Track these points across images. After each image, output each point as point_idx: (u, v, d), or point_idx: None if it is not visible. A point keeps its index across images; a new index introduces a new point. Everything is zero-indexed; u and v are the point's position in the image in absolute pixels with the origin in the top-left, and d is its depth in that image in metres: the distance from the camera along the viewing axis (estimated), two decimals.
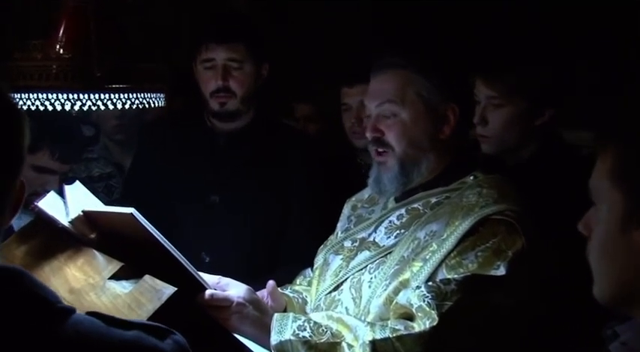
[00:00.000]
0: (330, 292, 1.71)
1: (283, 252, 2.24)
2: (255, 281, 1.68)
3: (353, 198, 1.94)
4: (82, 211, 1.47)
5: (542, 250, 1.55)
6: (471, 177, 1.65)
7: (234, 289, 1.53)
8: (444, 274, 1.47)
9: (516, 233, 1.49)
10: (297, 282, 1.92)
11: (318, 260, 1.85)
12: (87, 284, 1.36)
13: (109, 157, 2.85)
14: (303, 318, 1.51)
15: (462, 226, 1.51)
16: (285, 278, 1.96)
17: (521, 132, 2.02)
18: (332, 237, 1.89)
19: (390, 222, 1.70)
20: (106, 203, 1.65)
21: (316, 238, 1.96)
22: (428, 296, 1.41)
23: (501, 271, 1.45)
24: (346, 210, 1.93)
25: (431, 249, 1.52)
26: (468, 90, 1.75)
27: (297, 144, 2.33)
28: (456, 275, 1.44)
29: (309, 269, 1.93)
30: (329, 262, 1.79)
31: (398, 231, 1.66)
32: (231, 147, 2.31)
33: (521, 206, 1.55)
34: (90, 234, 1.47)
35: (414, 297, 1.43)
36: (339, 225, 1.91)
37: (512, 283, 1.46)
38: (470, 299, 1.43)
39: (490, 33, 2.97)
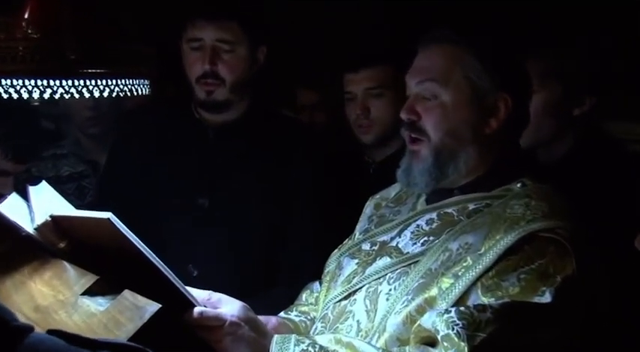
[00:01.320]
0: (341, 300, 1.65)
1: (284, 264, 2.17)
2: (252, 298, 1.62)
3: (377, 196, 1.89)
4: (50, 216, 1.42)
5: (594, 277, 1.47)
6: (519, 185, 1.59)
7: (228, 306, 1.47)
8: (478, 296, 1.40)
9: (567, 255, 1.42)
10: (304, 298, 1.87)
11: (331, 263, 1.81)
12: (56, 301, 1.31)
13: (82, 154, 2.80)
14: (307, 342, 1.45)
15: (504, 241, 1.43)
16: (286, 296, 1.92)
17: (557, 123, 1.98)
18: (349, 242, 1.83)
19: (418, 226, 1.64)
20: (78, 207, 1.59)
21: (321, 247, 1.91)
22: (458, 324, 1.33)
23: (546, 298, 1.37)
24: (368, 208, 1.87)
25: (464, 264, 1.45)
26: (526, 80, 1.67)
27: (299, 138, 2.27)
28: (492, 300, 1.37)
29: (317, 282, 1.87)
30: (342, 266, 1.74)
31: (426, 238, 1.59)
32: (223, 143, 2.23)
33: (575, 224, 1.48)
34: (59, 242, 1.42)
35: (441, 323, 1.35)
36: (358, 225, 1.86)
37: (558, 313, 1.39)
38: (507, 331, 1.36)
39: (521, 9, 2.90)
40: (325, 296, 1.72)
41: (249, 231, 2.17)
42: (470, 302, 1.40)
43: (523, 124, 1.67)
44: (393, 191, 1.85)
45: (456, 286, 1.42)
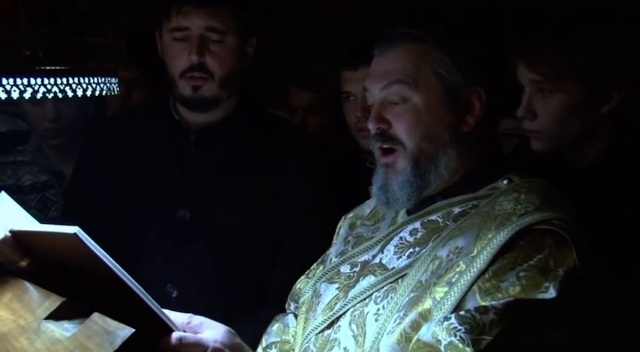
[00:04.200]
0: (323, 330, 1.68)
1: (275, 283, 2.17)
2: (237, 321, 1.65)
3: (350, 214, 1.94)
4: (10, 231, 1.42)
5: (600, 270, 1.51)
6: (505, 181, 1.64)
7: (210, 330, 1.49)
8: (476, 301, 1.42)
9: (567, 247, 1.45)
10: (274, 331, 1.88)
11: (305, 292, 1.84)
12: (16, 326, 1.32)
13: (46, 162, 2.81)
14: None
15: (497, 239, 1.47)
16: (271, 320, 1.91)
17: (582, 123, 1.99)
18: (321, 267, 1.86)
19: (401, 238, 1.68)
20: (41, 221, 1.59)
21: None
22: (460, 330, 1.35)
23: (551, 293, 1.40)
24: (342, 229, 1.92)
25: (457, 269, 1.48)
26: (498, 69, 1.73)
27: (292, 142, 2.27)
28: (494, 302, 1.40)
29: (289, 315, 1.89)
30: (320, 293, 1.76)
31: (412, 250, 1.63)
32: (205, 147, 2.24)
33: (571, 215, 1.52)
34: (20, 260, 1.42)
35: (441, 331, 1.37)
36: (332, 248, 1.89)
37: (565, 309, 1.41)
38: (514, 331, 1.38)
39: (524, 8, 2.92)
40: (304, 328, 1.74)
41: (236, 247, 2.17)
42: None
43: (499, 117, 1.72)
44: (367, 208, 1.89)
45: (451, 294, 1.45)
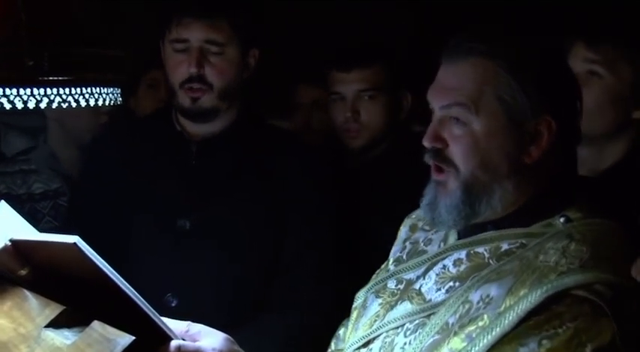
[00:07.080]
0: (360, 348, 1.66)
1: (272, 293, 2.16)
2: (236, 330, 1.62)
3: (413, 216, 1.85)
4: (10, 240, 1.42)
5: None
6: (562, 219, 1.50)
7: (208, 338, 1.48)
8: None
9: (605, 317, 1.30)
10: (341, 334, 1.86)
11: (359, 297, 1.80)
12: (16, 334, 1.32)
13: (58, 168, 2.79)
14: None
15: (528, 300, 1.35)
16: (280, 326, 1.92)
17: (615, 118, 1.95)
18: (384, 267, 1.83)
19: (445, 267, 1.59)
20: (51, 229, 1.59)
21: (321, 279, 1.89)
22: None
23: None
24: (403, 231, 1.85)
25: (480, 323, 1.39)
26: (574, 93, 1.58)
27: (295, 153, 2.26)
28: None
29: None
30: (367, 304, 1.74)
31: (451, 283, 1.55)
32: (207, 157, 2.24)
33: (622, 273, 1.37)
34: (20, 269, 1.43)
35: None
36: (393, 249, 1.84)
37: None
38: None
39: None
40: (349, 337, 1.72)
41: (235, 257, 2.16)
42: None
43: (573, 146, 1.58)
44: None
45: (468, 350, 1.38)
